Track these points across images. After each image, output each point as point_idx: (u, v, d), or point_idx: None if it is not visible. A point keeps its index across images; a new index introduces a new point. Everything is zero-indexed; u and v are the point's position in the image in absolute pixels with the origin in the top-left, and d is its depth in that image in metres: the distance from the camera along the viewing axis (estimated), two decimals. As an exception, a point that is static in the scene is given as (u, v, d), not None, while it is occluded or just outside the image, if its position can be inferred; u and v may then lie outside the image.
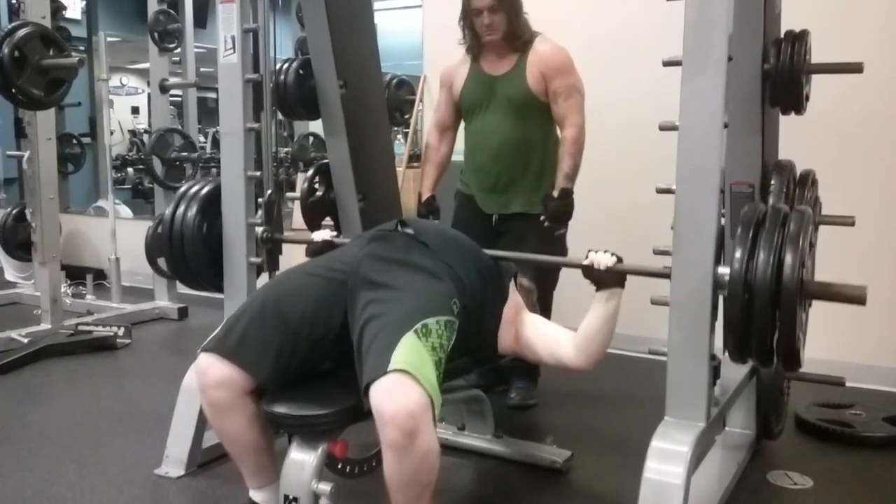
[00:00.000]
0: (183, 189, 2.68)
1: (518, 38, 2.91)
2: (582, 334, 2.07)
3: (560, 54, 2.92)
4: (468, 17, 2.94)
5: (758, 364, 1.93)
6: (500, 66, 2.96)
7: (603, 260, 2.02)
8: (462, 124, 3.17)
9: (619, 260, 2.03)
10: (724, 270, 1.84)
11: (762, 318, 1.77)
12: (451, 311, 1.89)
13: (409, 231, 2.14)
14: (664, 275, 1.94)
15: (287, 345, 1.89)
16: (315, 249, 2.46)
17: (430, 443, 1.67)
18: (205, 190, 2.63)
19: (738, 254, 1.79)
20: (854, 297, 1.78)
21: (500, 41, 2.91)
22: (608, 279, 2.02)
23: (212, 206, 2.59)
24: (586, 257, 2.06)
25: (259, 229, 2.58)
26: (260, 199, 2.59)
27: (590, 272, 2.04)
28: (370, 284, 1.92)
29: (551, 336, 2.16)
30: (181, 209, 2.59)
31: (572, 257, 2.12)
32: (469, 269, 2.08)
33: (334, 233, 2.55)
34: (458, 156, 3.22)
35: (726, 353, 2.58)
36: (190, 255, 2.58)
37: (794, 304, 1.73)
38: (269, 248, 2.62)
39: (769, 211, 1.85)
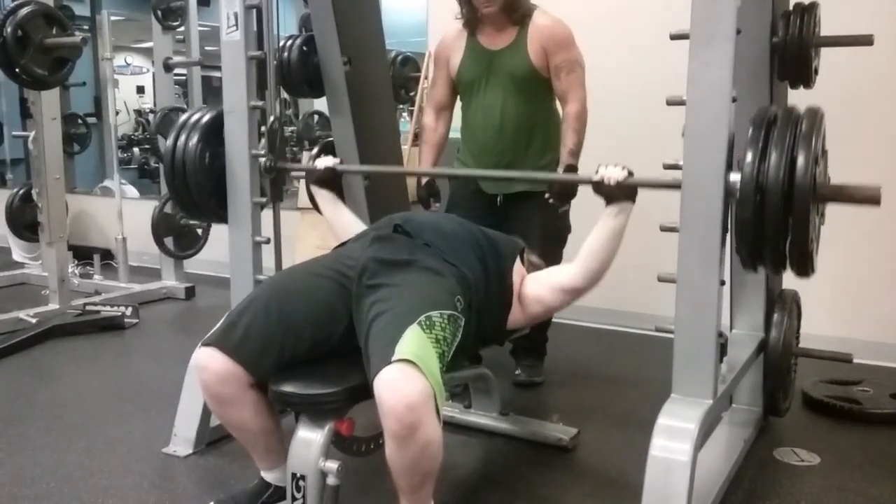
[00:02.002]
0: (183, 117, 2.60)
1: (516, 10, 2.83)
2: (585, 249, 2.07)
3: (561, 28, 2.85)
4: None
5: (770, 270, 1.89)
6: (499, 39, 2.89)
7: (613, 174, 2.01)
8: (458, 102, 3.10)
9: (630, 174, 2.01)
10: (735, 177, 1.80)
11: (775, 220, 1.73)
12: (455, 306, 1.88)
13: (408, 232, 2.11)
14: (674, 186, 1.89)
15: (289, 345, 1.89)
16: (319, 177, 2.46)
17: (432, 434, 1.65)
18: (206, 118, 2.56)
19: (748, 155, 1.75)
20: (868, 196, 1.74)
21: (498, 13, 2.83)
22: (619, 193, 2.01)
23: (213, 134, 2.53)
24: (596, 172, 2.04)
25: (262, 159, 2.53)
26: (262, 128, 2.54)
27: (600, 187, 2.03)
28: (374, 288, 1.91)
29: (551, 275, 2.18)
30: (182, 138, 2.51)
31: (583, 175, 2.08)
32: (472, 262, 2.06)
33: (336, 160, 2.53)
34: (454, 133, 3.16)
35: (733, 331, 2.60)
36: (192, 184, 2.52)
37: (808, 206, 1.69)
38: (273, 178, 2.58)
39: (780, 111, 1.80)
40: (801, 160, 1.69)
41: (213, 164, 2.53)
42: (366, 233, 2.21)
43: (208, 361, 1.88)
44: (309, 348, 1.93)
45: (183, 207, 2.67)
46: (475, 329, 1.99)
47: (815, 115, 1.76)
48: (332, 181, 2.49)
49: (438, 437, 1.68)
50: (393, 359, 1.64)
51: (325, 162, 2.48)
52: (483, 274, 2.08)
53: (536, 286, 2.17)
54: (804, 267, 1.81)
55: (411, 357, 1.64)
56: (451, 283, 1.95)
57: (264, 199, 2.57)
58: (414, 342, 1.69)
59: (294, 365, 1.91)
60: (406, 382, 1.62)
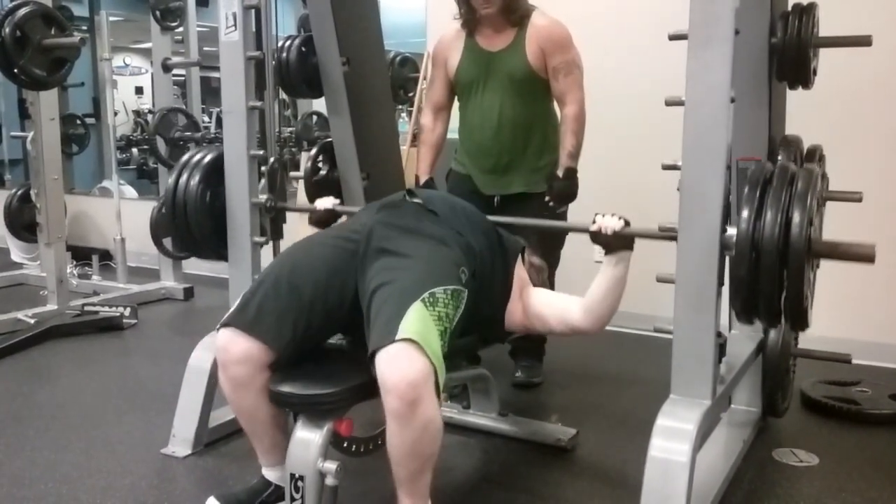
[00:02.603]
0: (185, 157, 2.63)
1: (514, 11, 2.83)
2: (591, 297, 2.08)
3: (559, 29, 2.85)
4: None
5: (765, 324, 1.93)
6: (498, 41, 2.89)
7: (610, 224, 2.02)
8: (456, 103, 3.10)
9: (627, 223, 2.03)
10: (731, 231, 1.82)
11: (770, 277, 1.75)
12: (459, 279, 1.90)
13: (418, 200, 2.14)
14: (671, 237, 1.92)
15: (302, 316, 1.91)
16: (318, 218, 2.47)
17: (432, 412, 1.68)
18: (207, 158, 2.59)
19: (744, 213, 1.78)
20: (863, 255, 1.76)
21: (497, 15, 2.82)
22: (616, 243, 2.02)
23: (214, 174, 2.56)
24: (593, 222, 2.05)
25: (262, 197, 2.55)
26: (263, 168, 2.56)
27: (597, 237, 2.04)
28: (380, 252, 1.93)
29: (559, 303, 2.18)
30: (184, 177, 2.55)
31: (579, 222, 2.10)
32: (478, 236, 2.09)
33: (337, 201, 2.54)
34: (452, 133, 3.16)
35: (732, 331, 2.60)
36: (193, 223, 2.55)
37: (803, 263, 1.72)
38: (273, 217, 2.60)
39: (776, 169, 1.83)
40: (796, 219, 1.72)
41: (214, 204, 2.57)
42: (371, 205, 2.23)
43: (226, 342, 1.90)
44: (322, 318, 1.94)
45: (184, 245, 2.71)
46: (475, 304, 1.99)
47: (810, 175, 1.79)
48: (331, 221, 2.49)
49: (438, 418, 1.71)
50: (396, 337, 1.67)
51: (325, 203, 2.49)
52: (489, 248, 2.10)
53: (541, 307, 2.18)
54: (800, 322, 1.85)
55: (414, 336, 1.67)
56: (457, 252, 1.98)
57: (263, 239, 2.58)
58: (417, 320, 1.71)
59: (309, 343, 1.93)
60: (408, 361, 1.65)
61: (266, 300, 1.91)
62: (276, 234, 2.65)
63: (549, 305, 2.17)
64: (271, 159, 2.58)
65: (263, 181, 2.58)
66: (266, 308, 1.90)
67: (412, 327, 1.69)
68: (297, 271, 1.96)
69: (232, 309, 1.96)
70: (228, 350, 1.90)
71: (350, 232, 2.05)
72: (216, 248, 2.62)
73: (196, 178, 2.54)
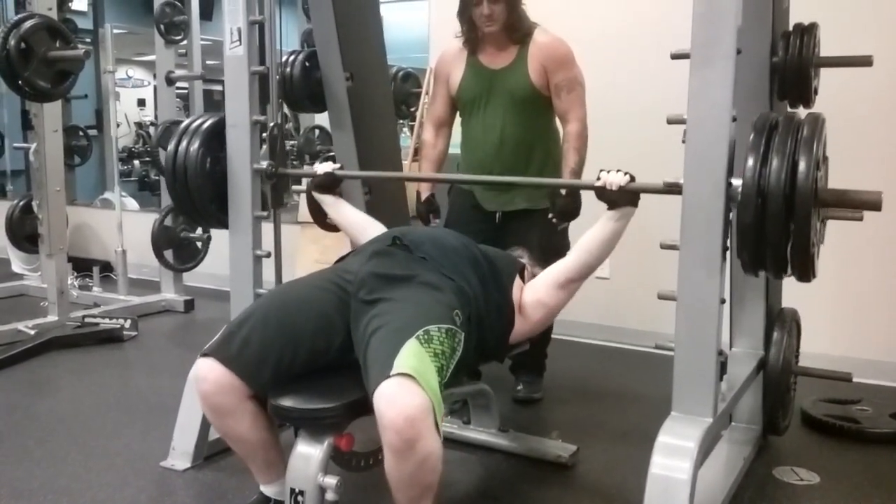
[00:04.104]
0: (185, 123, 2.62)
1: (517, 29, 2.84)
2: (581, 244, 2.11)
3: (561, 46, 2.86)
4: (467, 7, 2.87)
5: (771, 274, 1.90)
6: (500, 59, 2.90)
7: (615, 179, 2.02)
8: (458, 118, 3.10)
9: (632, 179, 2.02)
10: (736, 181, 1.81)
11: (776, 224, 1.74)
12: (454, 321, 1.88)
13: (407, 245, 2.12)
14: (676, 192, 1.90)
15: (286, 356, 1.90)
16: (319, 182, 2.48)
17: (431, 447, 1.65)
18: (207, 123, 2.57)
19: (750, 161, 1.76)
20: (869, 201, 1.75)
21: (500, 33, 2.84)
22: (621, 198, 2.03)
23: (214, 139, 2.54)
24: (598, 178, 2.05)
25: (263, 163, 2.53)
26: (264, 134, 2.55)
27: (602, 192, 2.04)
28: (372, 303, 1.92)
29: (546, 277, 2.21)
30: (184, 143, 2.54)
31: (585, 179, 2.11)
32: (470, 277, 2.07)
33: (337, 165, 2.54)
34: (454, 149, 3.16)
35: (733, 349, 2.60)
36: (193, 189, 2.53)
37: (810, 209, 1.70)
38: (274, 183, 2.58)
39: (782, 117, 1.82)
40: (802, 164, 1.71)
41: (214, 170, 2.55)
42: (364, 247, 2.22)
43: (206, 372, 1.89)
44: (306, 360, 1.93)
45: (184, 212, 2.68)
46: (476, 343, 2.00)
47: (815, 121, 1.78)
48: (332, 187, 2.51)
49: (438, 451, 1.68)
50: (392, 373, 1.65)
51: (325, 167, 2.50)
52: (482, 289, 2.08)
53: (533, 292, 2.20)
54: (805, 271, 1.82)
55: (410, 371, 1.65)
56: (450, 297, 1.96)
57: (265, 213, 2.58)
58: (412, 356, 1.69)
59: (291, 378, 1.91)
60: (405, 396, 1.62)
61: (252, 335, 1.90)
62: (278, 203, 2.62)
63: (538, 288, 2.20)
64: (271, 125, 2.55)
65: (264, 147, 2.55)
66: (251, 343, 1.89)
67: (407, 362, 1.67)
68: (287, 310, 1.96)
69: (216, 338, 1.94)
70: (208, 379, 1.88)
71: (341, 278, 2.04)
72: (217, 215, 2.60)
73: (196, 144, 2.52)
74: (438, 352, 1.76)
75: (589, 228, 2.15)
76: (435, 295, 1.94)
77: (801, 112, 1.89)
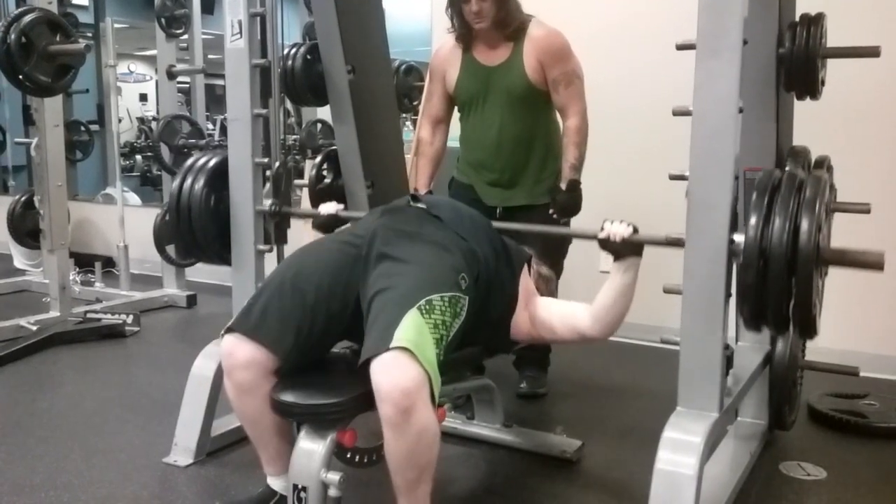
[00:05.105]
0: (189, 162, 2.63)
1: (508, 25, 2.77)
2: (599, 304, 2.06)
3: (556, 39, 2.80)
4: (455, 3, 2.80)
5: (773, 332, 1.91)
6: (495, 56, 2.84)
7: (619, 231, 2.00)
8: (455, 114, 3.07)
9: (635, 230, 2.01)
10: (738, 238, 1.81)
11: (778, 284, 1.74)
12: (458, 286, 1.89)
13: (422, 205, 2.14)
14: (678, 244, 1.90)
15: (306, 320, 1.91)
16: (321, 223, 2.47)
17: (427, 420, 1.68)
18: (212, 162, 2.58)
19: (752, 219, 1.76)
20: (871, 262, 1.75)
21: (491, 29, 2.77)
22: (625, 250, 2.01)
23: (218, 178, 2.55)
24: (602, 229, 2.04)
25: (267, 202, 2.54)
26: (268, 173, 2.55)
27: (606, 244, 2.03)
28: (381, 257, 1.93)
29: (567, 311, 2.16)
30: (188, 181, 2.55)
31: (588, 229, 2.09)
32: (483, 243, 2.08)
33: (340, 206, 2.52)
34: (453, 142, 3.13)
35: (739, 343, 2.58)
36: (197, 228, 2.54)
37: (811, 270, 1.70)
38: (278, 222, 2.59)
39: (784, 176, 1.82)
40: (804, 226, 1.71)
41: (218, 209, 2.56)
42: (375, 209, 2.24)
43: (231, 347, 1.90)
44: (325, 322, 1.94)
45: (187, 250, 2.71)
46: (480, 308, 1.98)
47: (818, 182, 1.78)
48: (335, 227, 2.48)
49: (433, 425, 1.71)
50: (390, 345, 1.67)
51: (328, 208, 2.48)
52: (493, 255, 2.09)
53: (548, 315, 2.16)
54: (807, 329, 1.83)
55: (407, 344, 1.68)
56: (458, 258, 1.97)
57: (268, 247, 2.57)
58: (411, 328, 1.72)
59: (312, 347, 1.93)
60: (401, 369, 1.66)
61: (270, 303, 1.92)
62: (281, 240, 2.63)
63: (556, 314, 2.15)
64: (276, 164, 2.57)
65: (268, 185, 2.56)
66: (270, 311, 1.90)
67: (406, 335, 1.69)
68: (301, 275, 1.96)
69: (237, 314, 1.96)
70: (233, 355, 1.90)
71: (354, 236, 2.05)
72: (220, 252, 2.61)
73: (200, 183, 2.53)
74: (439, 322, 1.78)
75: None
76: (443, 256, 1.95)
77: (801, 174, 1.88)
